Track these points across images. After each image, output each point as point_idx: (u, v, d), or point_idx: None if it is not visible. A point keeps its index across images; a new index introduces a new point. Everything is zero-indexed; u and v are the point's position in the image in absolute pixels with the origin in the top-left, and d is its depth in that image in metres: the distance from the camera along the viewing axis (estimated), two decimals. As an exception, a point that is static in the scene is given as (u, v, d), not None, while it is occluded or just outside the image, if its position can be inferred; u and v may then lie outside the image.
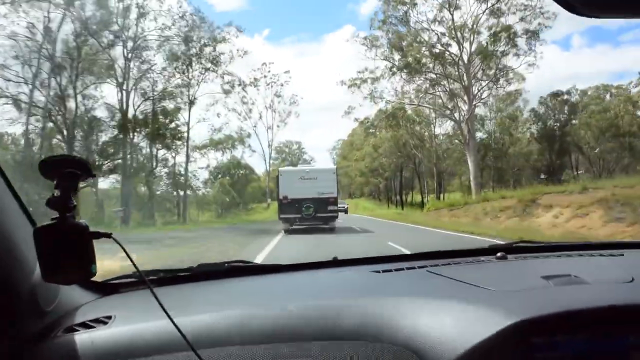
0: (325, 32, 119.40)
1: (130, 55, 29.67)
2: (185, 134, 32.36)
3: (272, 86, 43.86)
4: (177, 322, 0.91)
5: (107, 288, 1.31)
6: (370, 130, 47.58)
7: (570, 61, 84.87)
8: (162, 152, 32.63)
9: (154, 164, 32.21)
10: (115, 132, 29.18)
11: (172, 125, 31.75)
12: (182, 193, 33.66)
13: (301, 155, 75.05)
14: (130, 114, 29.31)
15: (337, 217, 18.64)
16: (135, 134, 29.95)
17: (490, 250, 1.63)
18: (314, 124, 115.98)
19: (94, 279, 1.01)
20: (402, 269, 1.39)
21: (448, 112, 33.55)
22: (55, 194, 0.84)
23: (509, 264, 1.47)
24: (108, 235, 0.89)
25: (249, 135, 41.48)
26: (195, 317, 1.01)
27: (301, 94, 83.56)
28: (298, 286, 1.35)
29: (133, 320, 1.03)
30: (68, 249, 0.84)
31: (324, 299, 1.14)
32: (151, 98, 30.59)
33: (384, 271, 1.37)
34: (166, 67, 31.22)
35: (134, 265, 0.98)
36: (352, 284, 1.31)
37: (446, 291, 1.12)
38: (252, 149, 43.15)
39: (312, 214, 17.63)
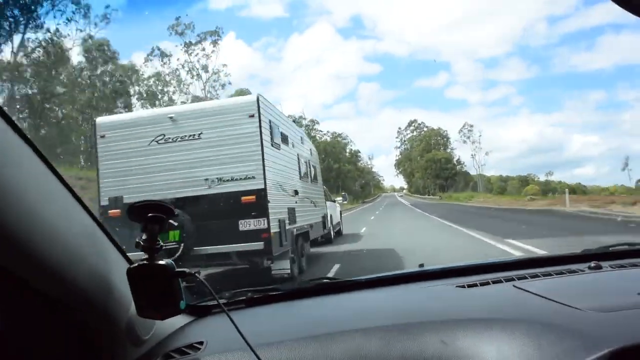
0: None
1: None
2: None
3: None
4: (266, 348, 0.93)
5: (199, 310, 1.34)
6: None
7: None
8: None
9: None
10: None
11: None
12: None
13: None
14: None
15: (267, 252, 5.88)
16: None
17: (584, 257, 1.50)
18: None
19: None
20: (488, 283, 1.34)
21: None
22: (143, 237, 0.90)
23: (602, 275, 1.33)
24: (192, 275, 0.94)
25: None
26: (281, 343, 1.02)
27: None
28: (383, 304, 1.34)
29: (223, 347, 1.05)
30: (157, 288, 0.90)
31: (409, 318, 1.10)
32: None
33: (469, 286, 1.33)
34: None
35: (216, 299, 1.02)
36: (437, 301, 1.28)
37: (532, 311, 1.05)
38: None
39: (177, 249, 5.61)
